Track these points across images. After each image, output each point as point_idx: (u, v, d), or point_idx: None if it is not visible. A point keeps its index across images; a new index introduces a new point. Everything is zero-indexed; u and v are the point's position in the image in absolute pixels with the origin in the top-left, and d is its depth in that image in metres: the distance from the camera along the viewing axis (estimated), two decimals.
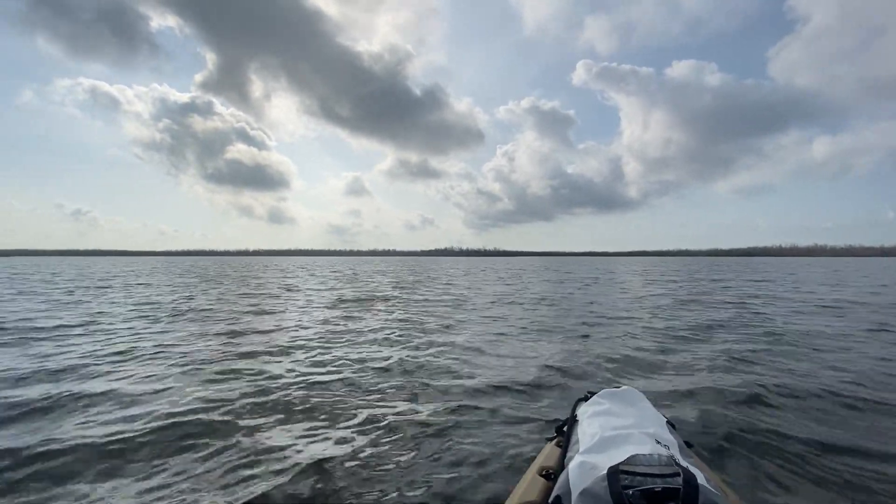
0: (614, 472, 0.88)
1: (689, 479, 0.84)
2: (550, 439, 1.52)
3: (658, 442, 1.09)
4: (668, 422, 1.38)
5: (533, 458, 1.47)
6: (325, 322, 7.54)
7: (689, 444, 1.34)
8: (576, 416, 1.43)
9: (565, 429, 1.44)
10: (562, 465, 1.17)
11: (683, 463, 0.97)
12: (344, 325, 7.25)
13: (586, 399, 1.53)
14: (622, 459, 0.94)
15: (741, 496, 1.26)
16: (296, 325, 7.14)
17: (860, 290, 13.27)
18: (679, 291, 13.62)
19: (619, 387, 1.53)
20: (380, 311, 9.15)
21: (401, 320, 7.74)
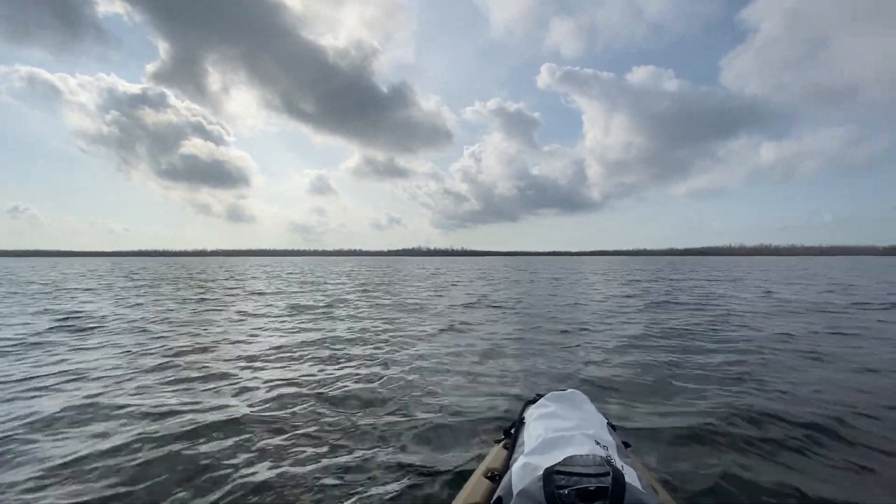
0: (550, 473, 0.92)
1: (618, 478, 0.87)
2: (499, 441, 1.55)
3: (597, 443, 1.15)
4: (608, 423, 1.44)
5: (482, 461, 1.49)
6: (279, 334, 6.41)
7: (627, 445, 1.42)
8: (523, 418, 1.48)
9: (513, 431, 1.48)
10: (507, 467, 1.21)
11: (618, 463, 1.06)
12: (296, 337, 6.17)
13: (534, 402, 1.57)
14: (560, 460, 0.99)
15: (675, 496, 1.44)
16: (236, 341, 5.89)
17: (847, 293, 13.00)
18: (651, 293, 12.98)
19: (564, 390, 1.58)
20: (339, 319, 7.95)
21: (358, 331, 6.62)
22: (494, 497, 1.04)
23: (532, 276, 23.02)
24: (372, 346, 5.43)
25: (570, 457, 0.99)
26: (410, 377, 4.04)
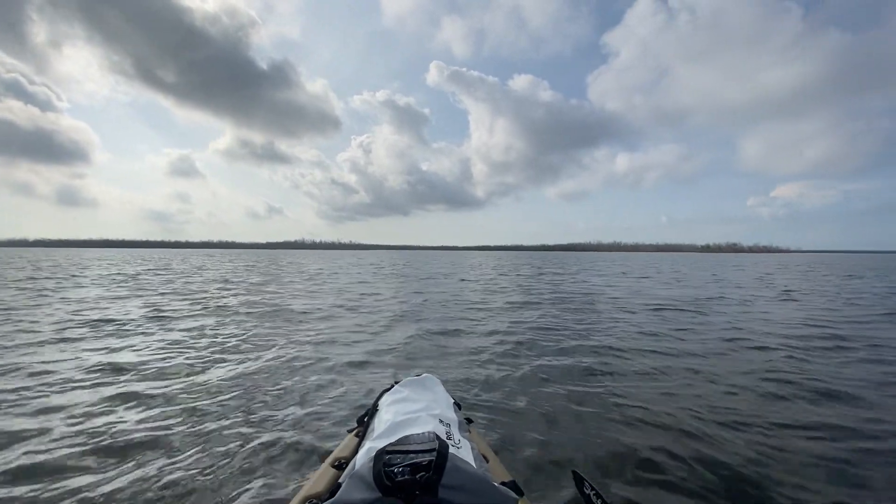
0: (381, 454, 0.96)
1: (442, 450, 0.94)
2: (352, 431, 1.52)
3: (441, 421, 1.23)
4: (454, 403, 1.57)
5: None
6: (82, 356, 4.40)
7: (469, 421, 1.55)
8: (377, 405, 1.49)
9: (366, 419, 1.48)
10: (355, 454, 1.22)
11: (455, 437, 1.17)
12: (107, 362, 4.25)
13: (390, 389, 1.59)
14: (395, 441, 1.05)
15: (512, 468, 1.82)
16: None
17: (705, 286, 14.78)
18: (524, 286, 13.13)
19: (419, 374, 1.66)
20: (178, 331, 5.82)
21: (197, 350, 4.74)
22: (336, 484, 1.05)
23: (421, 272, 22.27)
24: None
25: (407, 436, 1.07)
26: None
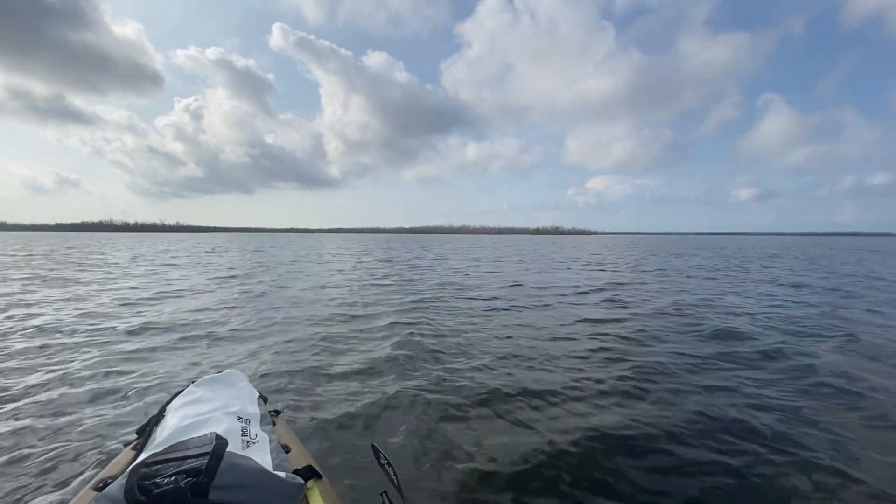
0: (137, 468, 0.88)
1: (217, 451, 0.91)
2: (129, 444, 1.37)
3: (239, 418, 1.22)
4: (259, 396, 1.51)
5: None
6: None
7: (277, 412, 1.53)
8: (164, 411, 1.37)
9: (149, 428, 1.34)
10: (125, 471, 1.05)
11: (253, 432, 1.17)
12: None
13: (184, 391, 1.49)
14: (162, 450, 0.97)
15: (326, 452, 1.87)
16: None
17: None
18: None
19: (220, 371, 1.59)
20: None
21: None
22: None
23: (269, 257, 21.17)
24: None
25: (181, 442, 1.01)
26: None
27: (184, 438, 1.02)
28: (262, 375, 3.56)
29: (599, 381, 3.46)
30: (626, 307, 6.90)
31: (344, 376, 3.62)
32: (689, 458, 2.32)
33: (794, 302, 7.31)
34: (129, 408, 2.93)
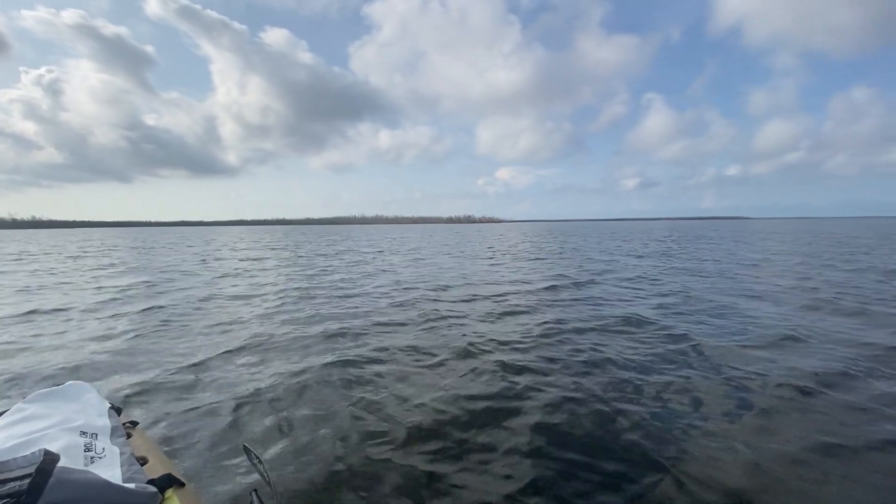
0: None
1: (44, 468, 0.85)
2: None
3: (82, 433, 1.14)
4: (111, 407, 1.42)
5: None
6: None
7: (134, 423, 1.42)
8: None
9: None
10: None
11: (100, 446, 1.10)
12: None
13: (11, 409, 1.36)
14: None
15: (177, 461, 1.50)
16: None
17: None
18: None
19: (61, 384, 1.45)
20: None
21: None
22: None
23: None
24: None
25: (0, 463, 0.93)
26: None
27: (3, 460, 0.93)
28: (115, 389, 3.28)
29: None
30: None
31: (204, 383, 3.47)
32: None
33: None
34: None
